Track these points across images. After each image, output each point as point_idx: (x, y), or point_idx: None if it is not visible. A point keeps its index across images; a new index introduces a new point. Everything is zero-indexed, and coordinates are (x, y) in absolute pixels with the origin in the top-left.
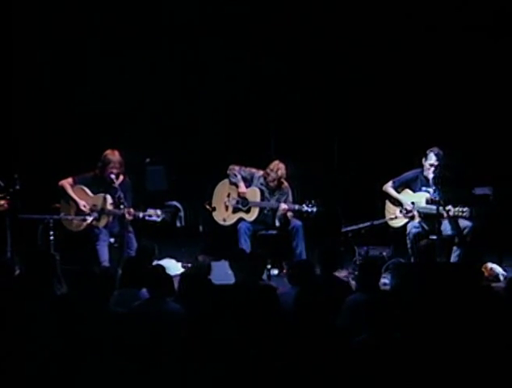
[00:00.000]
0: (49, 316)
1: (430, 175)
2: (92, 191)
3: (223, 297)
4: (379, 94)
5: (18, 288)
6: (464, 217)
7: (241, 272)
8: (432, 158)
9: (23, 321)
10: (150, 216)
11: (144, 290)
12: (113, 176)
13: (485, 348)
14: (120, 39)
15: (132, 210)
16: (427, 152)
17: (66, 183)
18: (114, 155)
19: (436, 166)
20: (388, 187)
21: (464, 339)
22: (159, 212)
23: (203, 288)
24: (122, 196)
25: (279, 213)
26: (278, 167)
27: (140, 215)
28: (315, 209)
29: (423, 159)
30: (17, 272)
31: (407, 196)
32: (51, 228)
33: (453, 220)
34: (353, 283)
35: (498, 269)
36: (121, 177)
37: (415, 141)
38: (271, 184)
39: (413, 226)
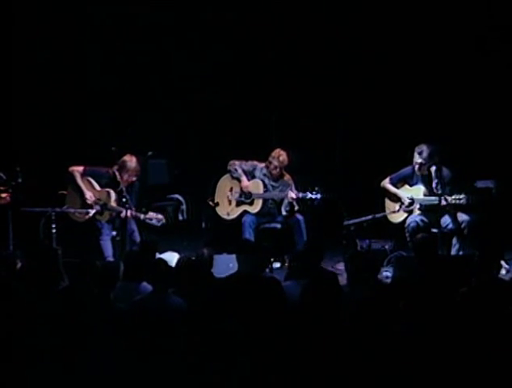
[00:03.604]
0: (50, 309)
1: (418, 173)
2: (99, 186)
3: (227, 289)
4: (382, 85)
5: (19, 282)
6: (461, 205)
7: (246, 264)
8: (415, 157)
9: (25, 314)
10: (151, 219)
11: (144, 283)
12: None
13: (488, 343)
14: (120, 33)
15: (133, 212)
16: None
17: (76, 171)
18: (132, 162)
19: (420, 164)
20: (386, 184)
21: (466, 331)
22: (160, 216)
23: (205, 280)
24: (128, 198)
25: (285, 202)
26: (279, 154)
27: (141, 217)
28: (319, 196)
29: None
30: (19, 265)
31: (404, 191)
32: (53, 221)
33: (452, 213)
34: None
35: (501, 263)
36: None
37: (418, 134)
38: (274, 172)
39: (412, 220)
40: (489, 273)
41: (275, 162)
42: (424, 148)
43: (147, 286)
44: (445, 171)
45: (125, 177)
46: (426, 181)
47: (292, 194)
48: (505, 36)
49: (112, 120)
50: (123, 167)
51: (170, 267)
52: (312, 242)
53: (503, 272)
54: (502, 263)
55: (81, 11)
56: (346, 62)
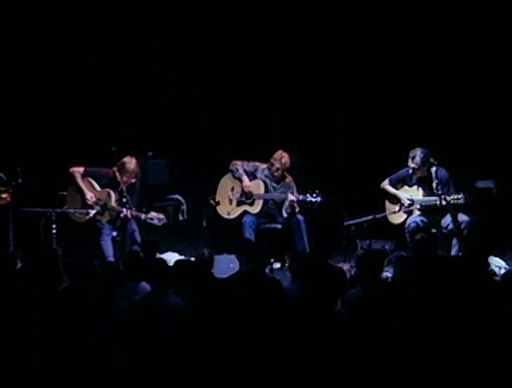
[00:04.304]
0: (50, 309)
1: (414, 176)
2: (100, 186)
3: (228, 288)
4: (383, 86)
5: (19, 282)
6: (461, 205)
7: (247, 263)
8: (409, 161)
9: (25, 314)
10: (152, 219)
11: (143, 283)
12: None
13: (485, 340)
14: (121, 33)
15: (133, 212)
16: None
17: (77, 171)
18: (131, 164)
19: (413, 168)
20: (386, 185)
21: (465, 330)
22: (161, 215)
23: (204, 281)
24: (129, 198)
25: (286, 204)
26: (281, 156)
27: (142, 216)
28: (319, 199)
29: None
30: (19, 265)
31: (404, 192)
32: (53, 221)
33: (452, 214)
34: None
35: (501, 263)
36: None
37: (418, 134)
38: (276, 174)
39: (412, 220)
40: (483, 273)
41: (277, 164)
42: (417, 153)
43: (146, 286)
44: (442, 172)
45: (124, 178)
46: (424, 183)
47: (292, 197)
48: (504, 35)
49: (112, 120)
50: (122, 169)
51: (169, 267)
52: (319, 248)
53: (502, 271)
54: (502, 262)
55: (81, 11)
56: (347, 64)
